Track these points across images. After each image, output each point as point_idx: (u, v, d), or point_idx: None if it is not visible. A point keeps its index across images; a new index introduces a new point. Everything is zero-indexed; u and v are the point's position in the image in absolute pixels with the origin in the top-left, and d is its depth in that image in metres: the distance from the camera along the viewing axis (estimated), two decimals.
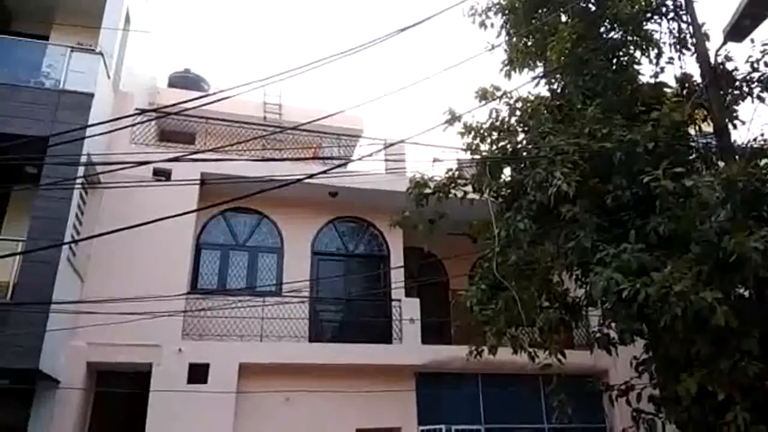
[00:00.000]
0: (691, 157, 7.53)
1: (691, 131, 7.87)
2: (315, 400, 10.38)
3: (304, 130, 11.09)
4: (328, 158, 13.12)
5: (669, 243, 6.29)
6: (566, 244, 6.92)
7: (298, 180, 7.68)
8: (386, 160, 11.86)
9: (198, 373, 9.99)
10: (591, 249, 6.57)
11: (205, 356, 10.15)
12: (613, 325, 7.03)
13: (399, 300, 11.88)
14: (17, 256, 8.61)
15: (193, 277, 11.25)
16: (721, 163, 6.92)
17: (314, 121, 7.42)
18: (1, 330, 8.13)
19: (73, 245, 9.44)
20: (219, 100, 6.65)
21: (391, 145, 9.32)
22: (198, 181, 10.31)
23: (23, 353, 8.14)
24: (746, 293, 6.31)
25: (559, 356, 7.65)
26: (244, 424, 9.96)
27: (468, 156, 8.21)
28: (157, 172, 10.29)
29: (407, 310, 11.70)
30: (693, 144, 7.68)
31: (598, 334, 7.50)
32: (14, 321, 8.21)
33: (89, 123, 9.10)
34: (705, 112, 7.68)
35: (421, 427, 10.88)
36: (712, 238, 5.80)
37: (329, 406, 10.38)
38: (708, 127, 7.66)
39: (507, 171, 8.35)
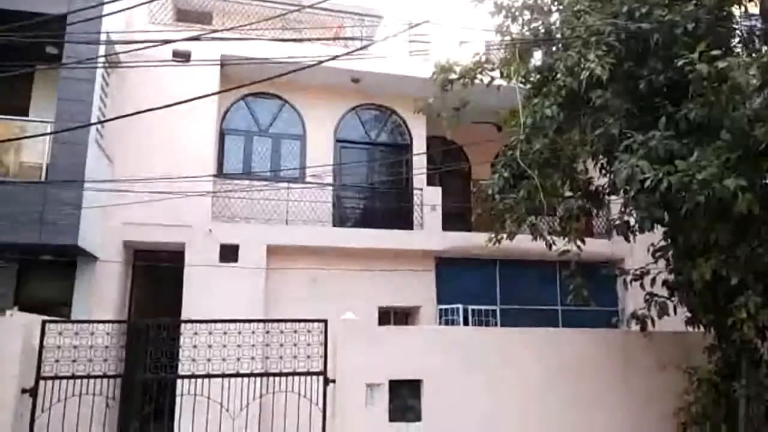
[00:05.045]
0: (733, 42, 7.13)
1: (736, 12, 7.37)
2: (340, 279, 10.86)
3: (325, 9, 10.64)
4: (349, 38, 12.65)
5: (700, 130, 6.14)
6: (593, 132, 6.80)
7: (320, 62, 7.51)
8: (410, 42, 11.41)
9: (228, 253, 10.44)
10: (618, 136, 6.46)
11: (234, 237, 10.55)
12: (633, 212, 7.08)
13: (420, 189, 12.02)
14: (48, 138, 8.80)
15: (218, 162, 11.43)
16: (765, 48, 6.55)
17: None
18: (39, 208, 8.51)
19: (99, 128, 9.57)
20: None
21: (416, 26, 8.94)
22: (218, 62, 10.15)
23: (62, 229, 8.56)
24: None
25: (578, 243, 7.80)
26: (274, 298, 10.53)
27: (497, 38, 7.86)
28: (176, 54, 10.11)
29: (429, 197, 11.87)
30: (736, 27, 7.22)
31: (617, 222, 7.59)
32: (51, 199, 8.57)
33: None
34: None
35: (440, 306, 11.45)
36: (743, 126, 5.64)
37: (353, 286, 10.84)
38: (755, 8, 7.16)
39: (537, 55, 8.02)
